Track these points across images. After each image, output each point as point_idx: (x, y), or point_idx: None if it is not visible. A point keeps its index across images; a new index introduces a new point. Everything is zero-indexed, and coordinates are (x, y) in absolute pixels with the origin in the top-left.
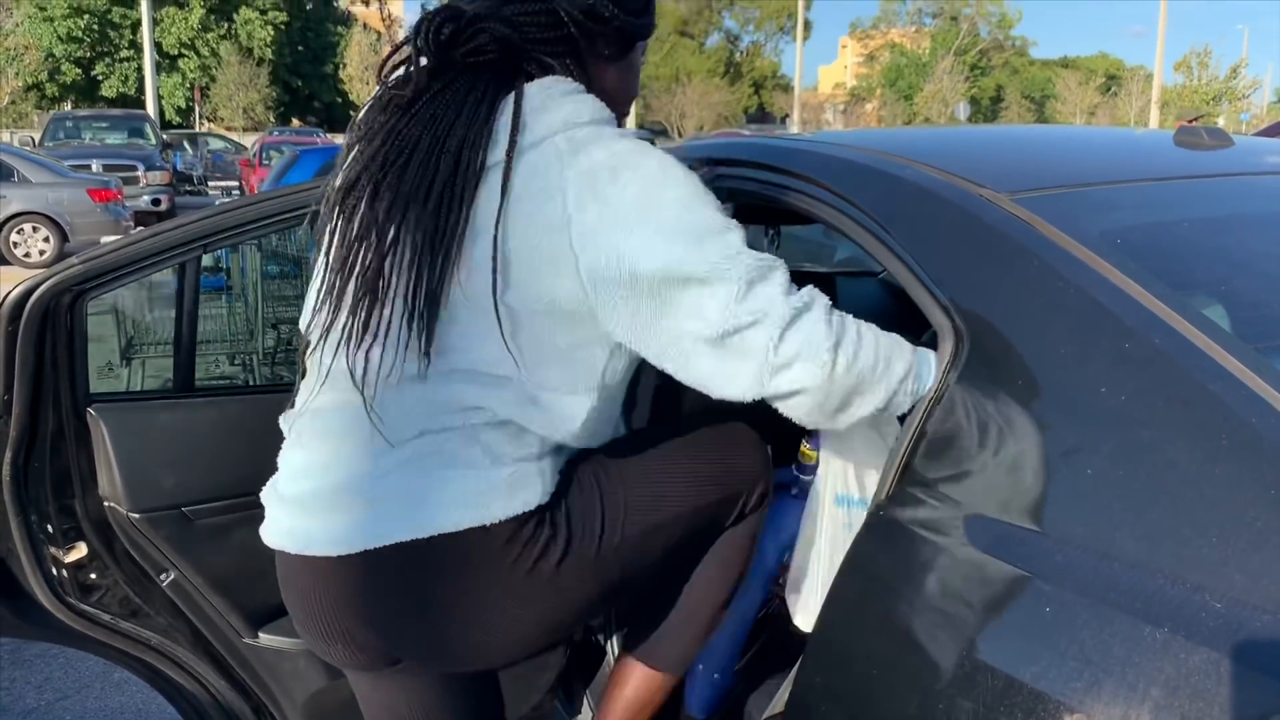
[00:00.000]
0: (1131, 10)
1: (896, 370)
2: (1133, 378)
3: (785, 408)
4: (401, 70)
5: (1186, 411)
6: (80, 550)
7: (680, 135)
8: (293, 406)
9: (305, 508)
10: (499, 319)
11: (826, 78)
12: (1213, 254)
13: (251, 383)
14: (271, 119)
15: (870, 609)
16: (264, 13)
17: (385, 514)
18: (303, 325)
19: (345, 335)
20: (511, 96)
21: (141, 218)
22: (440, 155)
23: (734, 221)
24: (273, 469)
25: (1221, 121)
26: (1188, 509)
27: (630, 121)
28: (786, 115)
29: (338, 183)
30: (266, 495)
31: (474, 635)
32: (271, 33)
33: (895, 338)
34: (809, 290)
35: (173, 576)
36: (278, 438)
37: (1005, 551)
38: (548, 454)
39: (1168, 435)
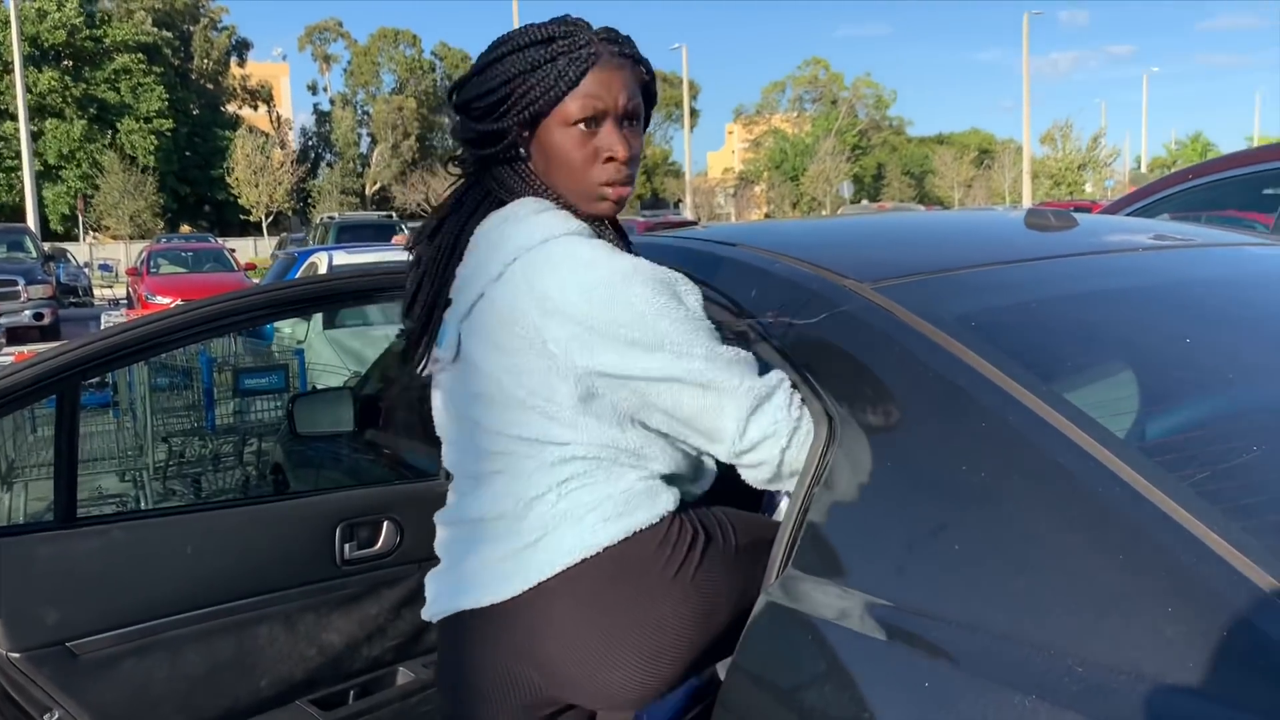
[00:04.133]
0: (1000, 86)
1: None
2: (991, 455)
3: (746, 474)
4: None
5: (1041, 485)
6: None
7: None
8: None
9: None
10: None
11: (716, 163)
12: (1062, 332)
13: (142, 499)
14: (160, 226)
15: (763, 691)
16: (147, 120)
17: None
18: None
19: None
20: (483, 226)
21: (21, 333)
22: (445, 275)
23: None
24: (162, 593)
25: (1089, 188)
26: (1048, 579)
27: None
28: (679, 200)
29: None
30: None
31: (640, 655)
32: (155, 141)
33: None
34: (774, 374)
35: (57, 716)
36: (167, 561)
37: (884, 629)
38: (663, 478)
39: (1025, 509)
